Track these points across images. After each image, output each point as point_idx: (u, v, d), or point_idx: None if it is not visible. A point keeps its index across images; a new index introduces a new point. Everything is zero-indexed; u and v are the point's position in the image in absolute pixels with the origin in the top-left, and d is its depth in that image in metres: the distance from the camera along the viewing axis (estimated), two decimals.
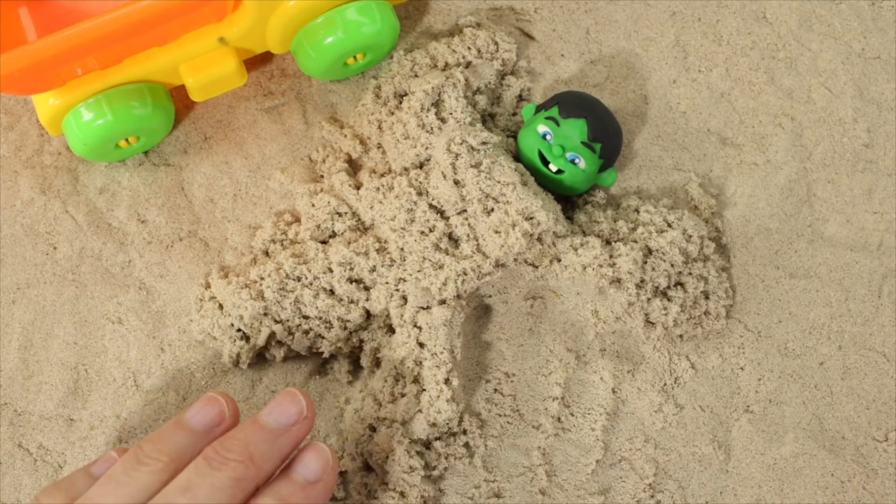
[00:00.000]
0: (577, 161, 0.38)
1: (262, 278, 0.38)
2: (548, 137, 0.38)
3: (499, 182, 0.37)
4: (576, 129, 0.38)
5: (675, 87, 0.43)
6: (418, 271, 0.37)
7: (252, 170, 0.41)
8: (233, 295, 0.37)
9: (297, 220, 0.40)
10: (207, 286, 0.39)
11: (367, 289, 0.38)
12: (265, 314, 0.38)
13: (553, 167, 0.38)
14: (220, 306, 0.38)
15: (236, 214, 0.41)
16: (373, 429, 0.37)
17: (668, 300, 0.38)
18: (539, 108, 0.39)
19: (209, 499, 0.30)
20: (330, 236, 0.39)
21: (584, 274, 0.37)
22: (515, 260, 0.38)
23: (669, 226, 0.38)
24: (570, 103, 0.38)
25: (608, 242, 0.38)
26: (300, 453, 0.33)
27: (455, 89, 0.39)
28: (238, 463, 0.31)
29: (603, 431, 0.38)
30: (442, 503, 0.37)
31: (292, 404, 0.33)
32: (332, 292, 0.38)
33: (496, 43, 0.41)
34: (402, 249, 0.37)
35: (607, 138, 0.38)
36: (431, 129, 0.39)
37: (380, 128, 0.41)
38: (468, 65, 0.41)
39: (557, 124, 0.38)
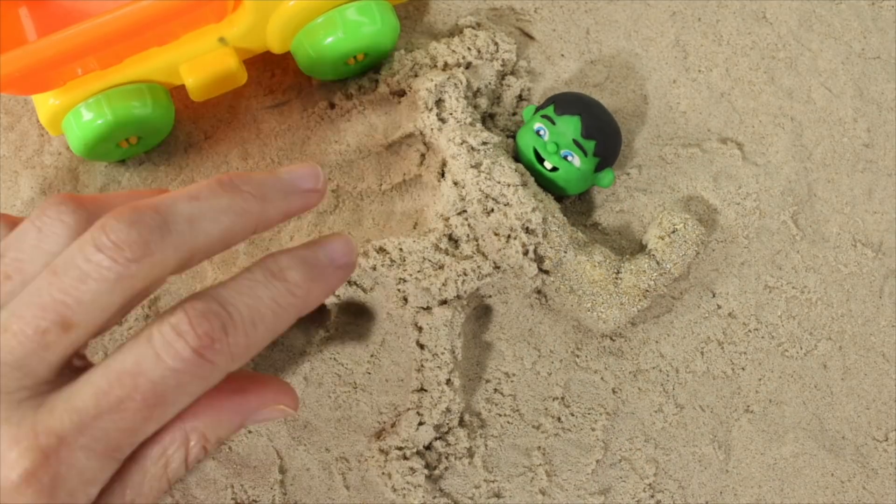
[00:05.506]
0: (570, 158, 0.38)
1: None
2: (542, 134, 0.38)
3: (499, 183, 0.37)
4: (570, 126, 0.38)
5: (675, 87, 0.43)
6: (418, 272, 0.37)
7: (253, 169, 0.41)
8: None
9: None
10: None
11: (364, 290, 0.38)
12: None
13: (548, 164, 0.38)
14: None
15: None
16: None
17: None
18: (538, 109, 0.39)
19: (212, 216, 0.28)
20: None
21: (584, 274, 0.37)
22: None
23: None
24: (566, 101, 0.38)
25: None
26: (325, 238, 0.31)
27: (456, 89, 0.39)
28: (249, 195, 0.29)
29: (603, 431, 0.38)
30: (442, 503, 0.37)
31: (310, 173, 0.31)
32: None
33: (496, 43, 0.41)
34: (401, 249, 0.37)
35: (602, 136, 0.38)
36: (432, 129, 0.39)
37: None
38: (468, 65, 0.41)
39: (552, 122, 0.38)
